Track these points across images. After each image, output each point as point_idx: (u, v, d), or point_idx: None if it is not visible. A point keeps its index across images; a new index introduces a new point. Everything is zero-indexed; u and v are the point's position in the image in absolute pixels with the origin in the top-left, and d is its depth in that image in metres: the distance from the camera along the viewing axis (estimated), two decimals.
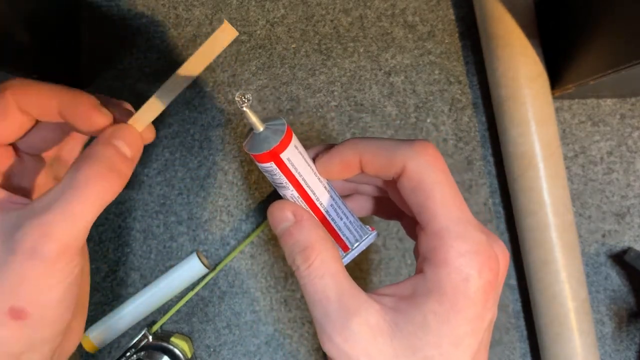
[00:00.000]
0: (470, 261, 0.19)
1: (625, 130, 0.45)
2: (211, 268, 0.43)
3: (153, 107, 0.22)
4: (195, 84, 0.44)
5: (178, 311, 0.43)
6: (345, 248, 0.24)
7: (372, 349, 0.19)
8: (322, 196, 0.23)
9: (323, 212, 0.23)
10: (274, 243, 0.44)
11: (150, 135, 0.24)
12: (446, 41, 0.46)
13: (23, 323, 0.19)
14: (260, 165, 0.22)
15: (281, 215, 0.22)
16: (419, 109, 0.45)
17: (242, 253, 0.44)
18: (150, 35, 0.45)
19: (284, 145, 0.21)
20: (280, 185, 0.22)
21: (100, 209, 0.20)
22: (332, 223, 0.23)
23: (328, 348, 0.20)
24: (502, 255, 0.20)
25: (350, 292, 0.20)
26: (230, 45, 0.45)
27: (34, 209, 0.19)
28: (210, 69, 0.45)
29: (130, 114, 0.23)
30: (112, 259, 0.44)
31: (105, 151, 0.21)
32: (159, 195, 0.44)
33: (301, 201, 0.23)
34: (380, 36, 0.45)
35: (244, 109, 0.20)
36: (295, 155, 0.21)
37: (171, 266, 0.43)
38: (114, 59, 0.45)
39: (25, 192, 0.24)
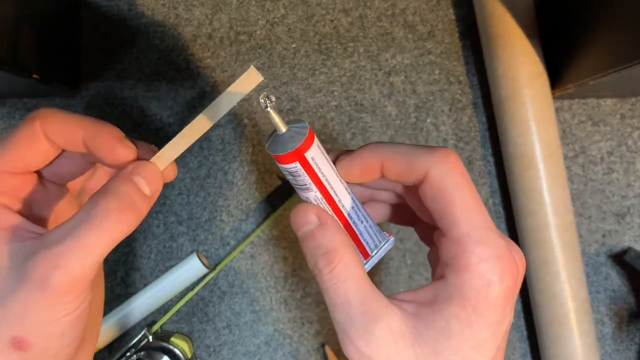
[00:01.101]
0: (492, 267, 0.19)
1: (625, 130, 0.45)
2: (211, 268, 0.43)
3: (175, 146, 0.22)
4: (196, 85, 0.44)
5: (178, 311, 0.43)
6: (365, 254, 0.24)
7: (394, 353, 0.19)
8: (344, 198, 0.23)
9: (345, 215, 0.23)
10: (274, 243, 0.44)
11: (171, 174, 0.24)
12: (446, 41, 0.46)
13: (24, 354, 0.19)
14: (284, 167, 0.21)
15: (305, 218, 0.22)
16: (419, 109, 0.45)
17: (242, 253, 0.44)
18: (150, 35, 0.45)
19: (308, 144, 0.21)
20: (304, 186, 0.22)
21: (113, 244, 0.20)
22: (354, 227, 0.23)
23: (350, 351, 0.20)
24: (520, 260, 0.21)
25: (373, 297, 0.20)
26: (230, 46, 0.45)
27: (48, 239, 0.19)
28: (210, 69, 0.45)
29: (153, 152, 0.23)
30: (112, 259, 0.44)
31: (124, 187, 0.21)
32: (159, 195, 0.44)
33: (324, 203, 0.22)
34: (380, 36, 0.45)
35: (269, 109, 0.20)
36: (318, 155, 0.21)
37: (171, 266, 0.43)
38: (114, 59, 0.45)
39: (45, 221, 0.24)
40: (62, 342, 0.20)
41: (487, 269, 0.19)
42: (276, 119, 0.20)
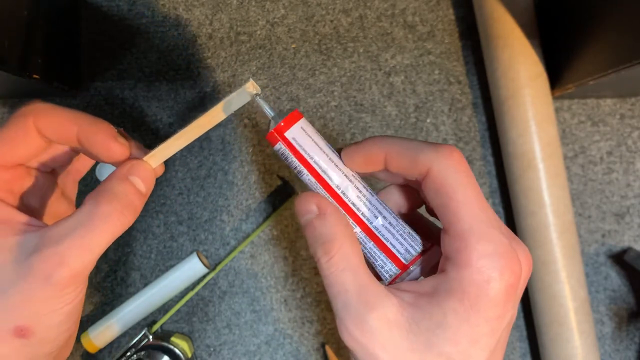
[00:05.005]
0: (492, 263, 0.19)
1: (625, 130, 0.45)
2: (211, 268, 0.43)
3: (170, 147, 0.23)
4: (196, 85, 0.44)
5: (178, 311, 0.43)
6: (394, 258, 0.22)
7: (388, 342, 0.20)
8: (343, 184, 0.22)
9: (349, 203, 0.22)
10: (274, 243, 0.44)
11: (160, 171, 0.25)
12: (446, 41, 0.46)
13: (26, 341, 0.20)
14: (275, 150, 0.22)
15: (305, 207, 0.22)
16: (419, 109, 0.45)
17: (242, 253, 0.44)
18: (150, 35, 0.45)
19: (288, 124, 0.22)
20: (296, 169, 0.23)
21: (111, 241, 0.21)
22: (364, 219, 0.22)
23: (346, 339, 0.20)
24: (525, 258, 0.21)
25: (370, 286, 0.21)
26: (230, 46, 0.45)
27: (51, 236, 0.20)
28: (210, 69, 0.45)
29: (142, 149, 0.24)
30: (112, 258, 0.44)
31: (123, 187, 0.22)
32: (159, 195, 0.44)
33: (319, 187, 0.22)
34: (380, 36, 0.45)
35: (256, 97, 0.22)
36: (302, 137, 0.22)
37: (171, 266, 0.43)
38: (114, 59, 0.45)
39: (35, 210, 0.25)
40: (59, 330, 0.21)
41: (487, 265, 0.19)
42: (263, 105, 0.22)
